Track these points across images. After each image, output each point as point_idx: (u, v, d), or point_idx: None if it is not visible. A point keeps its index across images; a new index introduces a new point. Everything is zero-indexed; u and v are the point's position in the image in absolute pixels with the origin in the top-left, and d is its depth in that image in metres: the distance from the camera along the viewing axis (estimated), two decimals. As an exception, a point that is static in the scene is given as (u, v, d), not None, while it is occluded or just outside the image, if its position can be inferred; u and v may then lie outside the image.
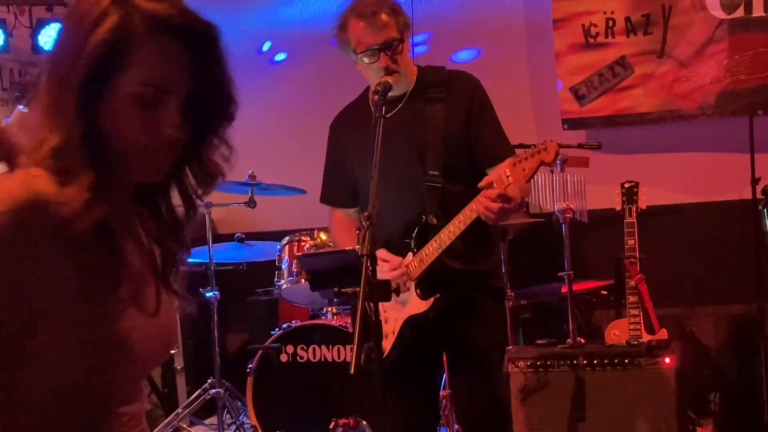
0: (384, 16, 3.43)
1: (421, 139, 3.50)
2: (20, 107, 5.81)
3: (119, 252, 1.58)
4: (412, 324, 3.49)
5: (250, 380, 5.06)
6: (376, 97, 3.24)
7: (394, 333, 3.51)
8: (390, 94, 3.37)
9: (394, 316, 3.51)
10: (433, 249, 3.41)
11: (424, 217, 3.46)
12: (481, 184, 3.29)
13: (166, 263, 1.69)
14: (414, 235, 3.46)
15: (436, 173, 3.47)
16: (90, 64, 1.51)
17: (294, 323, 5.08)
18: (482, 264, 3.62)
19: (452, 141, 3.49)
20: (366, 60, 3.43)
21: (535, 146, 3.28)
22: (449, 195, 3.48)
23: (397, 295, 3.35)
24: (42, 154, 1.50)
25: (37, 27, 5.91)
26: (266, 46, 6.53)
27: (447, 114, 3.51)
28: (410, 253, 3.47)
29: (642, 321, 4.57)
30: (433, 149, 3.49)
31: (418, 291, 3.46)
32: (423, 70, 3.61)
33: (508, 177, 3.26)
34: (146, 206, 1.69)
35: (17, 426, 1.55)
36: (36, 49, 5.94)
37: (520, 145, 4.54)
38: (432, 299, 3.44)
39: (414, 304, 3.47)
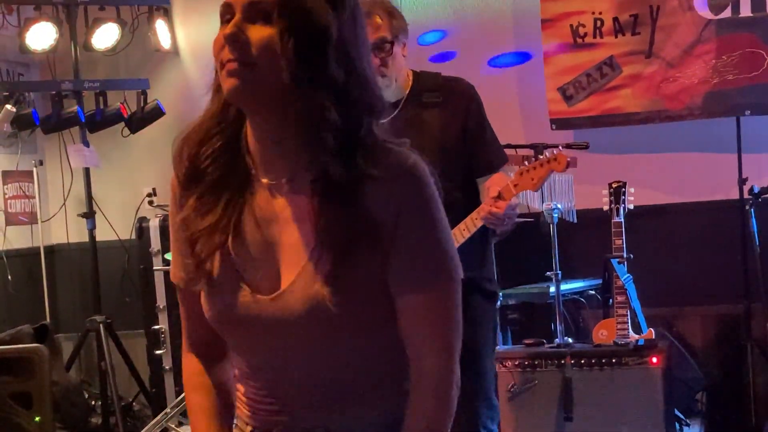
0: (377, 18, 3.44)
1: (417, 146, 3.51)
2: (8, 106, 5.82)
3: None
4: None
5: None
6: None
7: None
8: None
9: None
10: None
11: None
12: (492, 195, 3.34)
13: None
14: None
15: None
16: None
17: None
18: (478, 271, 3.63)
19: (448, 148, 3.49)
20: None
21: (540, 155, 3.36)
22: (447, 202, 3.49)
23: None
24: None
25: (24, 26, 5.90)
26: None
27: (443, 121, 3.52)
28: None
29: (629, 321, 4.59)
30: (429, 156, 3.49)
31: None
32: (418, 75, 3.62)
33: (516, 186, 3.33)
34: None
35: None
36: (23, 48, 5.93)
37: (508, 146, 4.55)
38: None
39: None
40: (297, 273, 1.68)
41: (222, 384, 1.89)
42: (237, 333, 1.77)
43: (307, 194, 1.67)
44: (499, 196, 3.39)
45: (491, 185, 3.49)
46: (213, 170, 1.73)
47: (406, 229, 1.67)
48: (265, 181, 1.72)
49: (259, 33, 1.62)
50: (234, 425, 1.88)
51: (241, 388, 1.85)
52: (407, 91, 3.55)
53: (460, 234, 3.41)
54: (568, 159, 3.50)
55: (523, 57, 6.03)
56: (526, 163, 3.62)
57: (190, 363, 1.92)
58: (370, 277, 1.67)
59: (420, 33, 6.01)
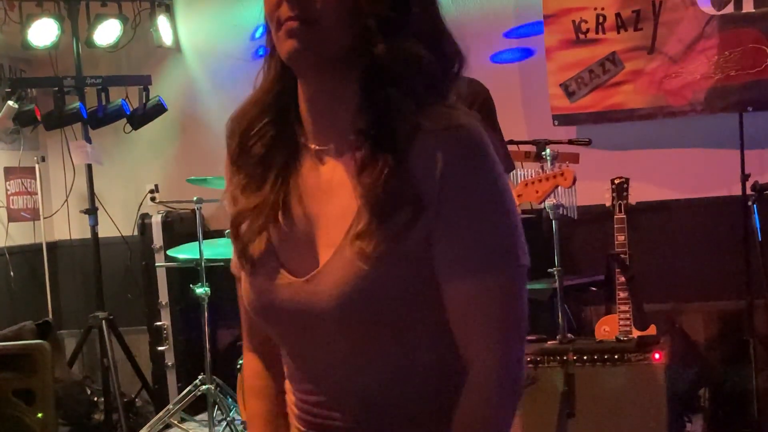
0: None
1: None
2: (10, 103, 5.81)
3: None
4: None
5: (240, 377, 5.06)
6: None
7: None
8: None
9: None
10: None
11: None
12: None
13: None
14: None
15: None
16: None
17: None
18: None
19: None
20: None
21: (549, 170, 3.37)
22: None
23: None
24: None
25: (26, 22, 5.89)
26: (260, 32, 6.47)
27: None
28: None
29: (632, 317, 4.58)
30: None
31: None
32: None
33: (519, 196, 3.33)
34: None
35: None
36: (26, 44, 5.92)
37: (510, 142, 4.55)
38: None
39: None
40: (335, 250, 1.48)
41: (283, 387, 1.70)
42: (273, 323, 1.59)
43: (353, 157, 1.48)
44: None
45: None
46: (261, 146, 1.56)
47: (451, 199, 1.43)
48: (313, 146, 1.54)
49: None
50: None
51: (288, 386, 1.66)
52: None
53: None
54: (575, 175, 3.51)
55: (526, 53, 6.02)
56: (533, 173, 3.61)
57: (250, 363, 1.76)
58: (413, 256, 1.45)
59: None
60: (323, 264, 1.49)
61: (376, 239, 1.43)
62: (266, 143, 1.56)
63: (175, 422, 5.63)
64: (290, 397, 1.65)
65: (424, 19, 1.50)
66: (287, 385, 1.66)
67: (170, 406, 5.60)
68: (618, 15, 5.65)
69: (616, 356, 4.20)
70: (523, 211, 5.34)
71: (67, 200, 6.71)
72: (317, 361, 1.55)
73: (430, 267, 1.46)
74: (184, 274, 5.94)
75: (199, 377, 5.51)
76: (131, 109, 6.09)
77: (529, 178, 3.47)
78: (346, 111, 1.50)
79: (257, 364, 1.75)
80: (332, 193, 1.51)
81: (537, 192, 3.42)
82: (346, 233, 1.47)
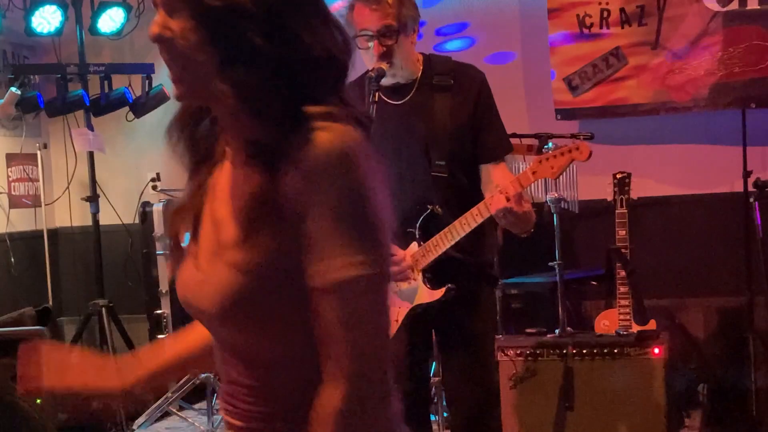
0: (387, 5, 3.44)
1: (428, 129, 3.51)
2: (13, 89, 5.81)
3: None
4: (416, 312, 3.50)
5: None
6: (369, 82, 3.31)
7: (397, 321, 3.50)
8: (395, 81, 3.43)
9: (396, 304, 3.51)
10: (444, 240, 3.42)
11: (429, 206, 3.46)
12: (505, 192, 3.31)
13: None
14: (418, 224, 3.47)
15: (443, 163, 3.47)
16: None
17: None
18: (483, 255, 3.64)
19: (458, 133, 3.50)
20: (361, 44, 3.44)
21: (555, 145, 3.37)
22: (454, 186, 3.50)
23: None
24: None
25: (30, 9, 5.89)
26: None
27: (454, 106, 3.52)
28: (414, 243, 3.47)
29: (632, 311, 4.59)
30: (439, 140, 3.50)
31: (426, 281, 3.47)
32: (428, 58, 3.62)
33: (534, 173, 3.31)
34: None
35: None
36: (29, 31, 5.92)
37: (513, 135, 4.54)
38: (444, 289, 3.45)
39: (423, 293, 3.47)
40: (212, 257, 1.57)
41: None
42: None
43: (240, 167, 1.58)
44: (517, 184, 3.36)
45: (498, 181, 3.47)
46: (194, 153, 1.70)
47: (312, 213, 1.46)
48: (227, 149, 1.64)
49: (179, 25, 1.50)
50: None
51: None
52: (419, 75, 3.55)
53: (473, 218, 3.40)
54: (591, 150, 3.47)
55: (529, 46, 6.02)
56: (539, 156, 3.58)
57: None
58: (282, 266, 1.50)
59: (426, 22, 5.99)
60: (204, 270, 1.58)
61: (245, 250, 1.50)
62: (200, 147, 1.69)
63: (174, 410, 5.64)
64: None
65: (271, 41, 1.49)
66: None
67: (169, 394, 5.60)
68: (622, 10, 5.65)
69: (615, 351, 4.20)
70: (525, 205, 5.35)
71: (68, 187, 6.71)
72: (217, 349, 1.66)
73: (300, 275, 1.49)
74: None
75: (199, 366, 5.50)
76: (134, 97, 6.09)
77: (543, 154, 3.41)
78: (241, 122, 1.56)
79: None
80: (224, 198, 1.61)
81: (552, 168, 3.36)
82: (221, 237, 1.56)
